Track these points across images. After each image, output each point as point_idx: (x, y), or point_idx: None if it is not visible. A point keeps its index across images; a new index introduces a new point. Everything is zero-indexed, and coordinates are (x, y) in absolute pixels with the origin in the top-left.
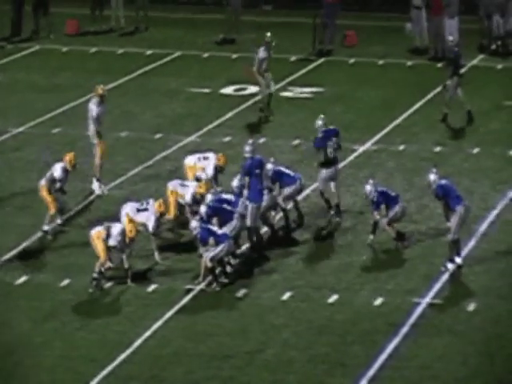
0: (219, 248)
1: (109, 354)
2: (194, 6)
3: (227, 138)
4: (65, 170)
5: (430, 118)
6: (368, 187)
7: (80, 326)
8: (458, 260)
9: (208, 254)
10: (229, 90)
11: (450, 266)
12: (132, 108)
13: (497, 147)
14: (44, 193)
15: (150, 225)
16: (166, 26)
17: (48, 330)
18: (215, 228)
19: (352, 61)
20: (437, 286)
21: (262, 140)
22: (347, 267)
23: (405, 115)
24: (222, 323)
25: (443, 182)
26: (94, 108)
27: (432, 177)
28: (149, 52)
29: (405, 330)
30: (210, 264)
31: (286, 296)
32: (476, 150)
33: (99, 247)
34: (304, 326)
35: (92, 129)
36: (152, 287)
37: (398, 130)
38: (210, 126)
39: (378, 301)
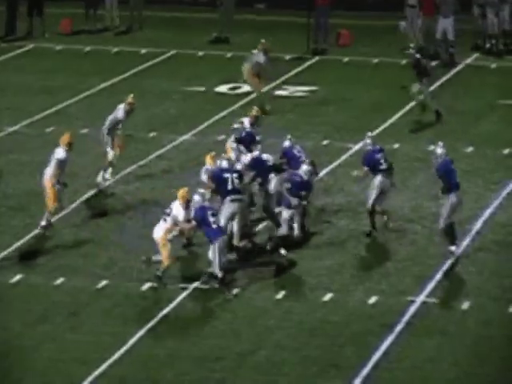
0: (216, 252)
1: (101, 355)
2: (187, 5)
3: (221, 137)
4: (66, 152)
5: (423, 118)
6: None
7: (72, 327)
8: (453, 248)
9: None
10: (223, 88)
11: (454, 248)
12: None
13: (490, 147)
14: (48, 184)
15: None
16: (159, 26)
17: (39, 332)
18: (212, 219)
19: (346, 60)
20: (430, 286)
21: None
22: (341, 267)
23: (398, 114)
24: (214, 324)
25: (449, 159)
26: (121, 114)
27: (439, 150)
28: (143, 51)
29: (397, 330)
30: (220, 274)
31: (280, 296)
32: (469, 150)
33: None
34: (296, 327)
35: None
36: (145, 286)
37: (392, 130)
38: (205, 125)
39: (372, 301)
